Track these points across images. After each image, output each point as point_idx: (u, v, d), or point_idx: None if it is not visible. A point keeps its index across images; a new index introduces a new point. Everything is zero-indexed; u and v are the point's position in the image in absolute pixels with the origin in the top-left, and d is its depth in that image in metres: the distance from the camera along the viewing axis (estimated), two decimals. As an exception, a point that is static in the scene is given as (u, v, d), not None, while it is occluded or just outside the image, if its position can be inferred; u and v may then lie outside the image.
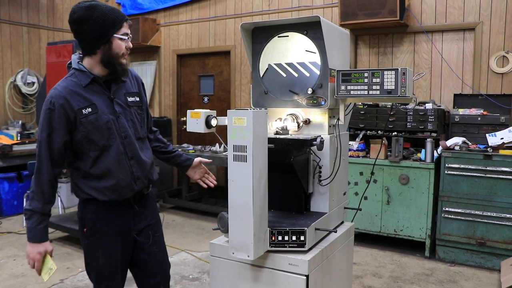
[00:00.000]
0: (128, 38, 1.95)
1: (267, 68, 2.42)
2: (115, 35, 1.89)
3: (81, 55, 1.97)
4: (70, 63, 2.00)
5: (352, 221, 2.66)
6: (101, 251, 2.02)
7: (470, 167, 3.89)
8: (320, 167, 2.28)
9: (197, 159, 2.42)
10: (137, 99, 2.09)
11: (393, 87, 2.11)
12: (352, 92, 2.21)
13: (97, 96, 1.93)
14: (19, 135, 5.86)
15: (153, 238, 2.16)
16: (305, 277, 1.95)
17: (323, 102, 2.26)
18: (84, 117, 1.88)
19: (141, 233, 2.12)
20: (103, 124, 1.91)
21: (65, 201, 5.83)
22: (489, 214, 3.85)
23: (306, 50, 2.31)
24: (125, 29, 1.93)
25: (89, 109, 1.90)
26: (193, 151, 5.57)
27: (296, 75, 2.35)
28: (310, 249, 2.07)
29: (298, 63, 2.34)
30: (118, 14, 1.91)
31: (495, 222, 3.83)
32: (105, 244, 2.01)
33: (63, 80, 1.94)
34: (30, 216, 1.90)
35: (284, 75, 2.38)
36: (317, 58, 2.27)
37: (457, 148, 3.99)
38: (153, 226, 2.17)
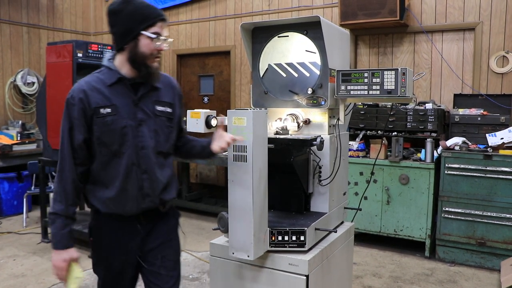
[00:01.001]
0: (160, 39, 1.75)
1: (267, 68, 2.42)
2: (143, 32, 1.72)
3: (114, 53, 1.85)
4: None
5: (352, 221, 2.66)
6: (104, 266, 1.90)
7: (470, 167, 3.89)
8: (320, 167, 2.28)
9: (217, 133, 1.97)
10: (169, 110, 1.88)
11: (393, 87, 2.12)
12: (352, 92, 2.21)
13: (120, 98, 1.76)
14: (19, 135, 5.85)
15: (161, 261, 1.94)
16: (305, 277, 1.95)
17: (323, 102, 2.26)
18: (101, 117, 1.73)
19: (149, 254, 1.91)
20: (118, 129, 1.74)
21: (65, 201, 5.83)
22: (489, 214, 3.85)
23: (306, 50, 2.31)
24: (158, 28, 1.74)
25: (108, 110, 1.73)
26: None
27: (296, 75, 2.35)
28: (310, 249, 2.07)
29: (298, 63, 2.34)
30: (153, 11, 1.75)
31: (495, 222, 3.83)
32: (108, 261, 1.88)
33: (89, 75, 1.82)
34: (53, 220, 1.74)
35: (284, 75, 2.38)
36: (317, 58, 2.27)
37: (457, 148, 3.99)
38: (163, 247, 1.95)
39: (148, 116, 1.80)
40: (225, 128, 1.91)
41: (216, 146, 1.89)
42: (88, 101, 1.73)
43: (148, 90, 1.82)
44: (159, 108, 1.84)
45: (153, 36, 1.72)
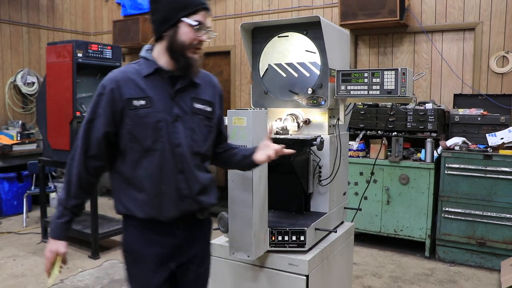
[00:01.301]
0: (202, 28, 1.62)
1: (267, 68, 2.42)
2: (184, 19, 1.59)
3: (153, 45, 1.73)
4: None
5: (352, 221, 2.66)
6: (140, 282, 1.70)
7: (470, 167, 3.89)
8: (320, 167, 2.28)
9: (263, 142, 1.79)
10: (208, 108, 1.74)
11: (393, 87, 2.12)
12: (352, 92, 2.21)
13: (156, 90, 1.64)
14: (19, 135, 5.85)
15: (196, 275, 1.79)
16: (305, 277, 1.96)
17: (323, 102, 2.26)
18: (134, 109, 1.60)
19: (183, 266, 1.74)
20: (152, 123, 1.60)
21: (65, 201, 5.83)
22: (489, 214, 3.85)
23: (306, 50, 2.31)
24: (200, 17, 1.61)
25: (142, 102, 1.61)
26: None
27: (296, 75, 2.35)
28: (310, 249, 2.07)
29: (298, 63, 2.34)
30: None
31: (495, 222, 3.83)
32: (143, 274, 1.69)
33: (125, 65, 1.72)
34: (57, 206, 1.71)
35: (284, 75, 2.38)
36: (317, 58, 2.28)
37: (457, 148, 3.99)
38: (199, 260, 1.79)
39: (185, 113, 1.66)
40: (271, 139, 1.79)
41: (261, 155, 1.73)
42: (120, 92, 1.60)
43: (186, 84, 1.68)
44: (198, 105, 1.70)
45: (194, 23, 1.60)
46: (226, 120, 1.92)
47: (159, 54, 1.66)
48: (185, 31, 1.60)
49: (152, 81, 1.65)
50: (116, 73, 1.66)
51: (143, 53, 1.72)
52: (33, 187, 5.36)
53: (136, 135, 1.61)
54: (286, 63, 2.37)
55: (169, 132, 1.62)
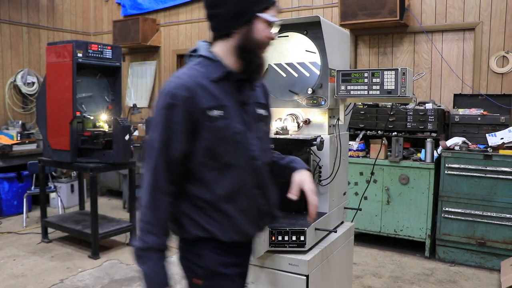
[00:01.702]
0: (273, 25, 1.47)
1: (267, 68, 2.42)
2: (260, 14, 1.41)
3: (209, 42, 1.51)
4: (194, 50, 1.51)
5: (352, 221, 2.66)
6: None
7: (470, 167, 3.89)
8: (320, 167, 2.28)
9: (298, 178, 1.62)
10: (266, 113, 1.58)
11: (393, 87, 2.12)
12: (352, 92, 2.21)
13: (227, 97, 1.42)
14: (19, 135, 5.85)
15: None
16: (305, 277, 1.95)
17: (323, 102, 2.26)
18: (212, 120, 1.37)
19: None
20: (230, 135, 1.40)
21: (65, 201, 5.83)
22: (489, 214, 3.85)
23: (306, 50, 2.31)
24: (274, 12, 1.48)
25: (220, 112, 1.38)
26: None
27: (296, 75, 2.35)
28: (310, 249, 2.07)
29: (298, 63, 2.34)
30: None
31: (495, 222, 3.83)
32: None
33: (187, 68, 1.43)
34: (146, 256, 1.35)
35: (284, 75, 2.38)
36: (317, 58, 2.27)
37: (457, 148, 3.99)
38: (247, 273, 1.66)
39: (253, 121, 1.49)
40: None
41: (294, 193, 1.59)
42: (195, 101, 1.35)
43: (250, 89, 1.51)
44: (259, 111, 1.54)
45: (273, 19, 1.45)
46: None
47: (224, 54, 1.45)
48: (261, 28, 1.42)
49: (222, 86, 1.42)
50: (183, 78, 1.38)
51: (204, 51, 1.47)
52: (33, 187, 5.36)
53: (216, 151, 1.39)
54: (286, 63, 2.37)
55: (244, 144, 1.44)
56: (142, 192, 1.38)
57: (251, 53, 1.43)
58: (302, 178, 1.58)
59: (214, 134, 1.38)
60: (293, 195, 1.57)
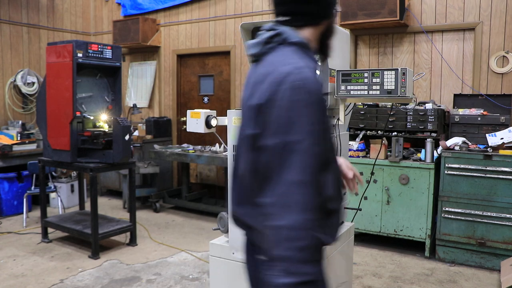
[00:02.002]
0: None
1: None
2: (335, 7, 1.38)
3: (290, 27, 1.31)
4: (273, 36, 1.30)
5: (352, 221, 2.66)
6: None
7: (470, 167, 3.89)
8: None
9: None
10: None
11: (393, 87, 2.12)
12: (352, 92, 2.21)
13: None
14: (19, 135, 5.85)
15: None
16: (305, 277, 1.95)
17: (323, 102, 2.26)
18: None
19: None
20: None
21: (65, 201, 5.84)
22: (489, 214, 3.85)
23: (306, 50, 2.31)
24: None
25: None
26: (193, 151, 5.57)
27: (296, 75, 2.35)
28: (310, 249, 2.06)
29: (298, 63, 2.34)
30: None
31: (495, 222, 3.83)
32: None
33: (300, 57, 1.23)
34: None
35: (284, 75, 2.38)
36: (316, 58, 2.27)
37: (457, 148, 3.99)
38: None
39: None
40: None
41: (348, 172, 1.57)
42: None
43: None
44: None
45: (339, 10, 1.44)
46: (226, 120, 1.92)
47: (311, 41, 1.34)
48: (335, 18, 1.40)
49: None
50: (310, 67, 1.21)
51: (296, 38, 1.28)
52: (33, 187, 5.36)
53: (328, 148, 1.23)
54: (286, 63, 2.37)
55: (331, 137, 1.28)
56: (299, 205, 1.10)
57: (330, 40, 1.41)
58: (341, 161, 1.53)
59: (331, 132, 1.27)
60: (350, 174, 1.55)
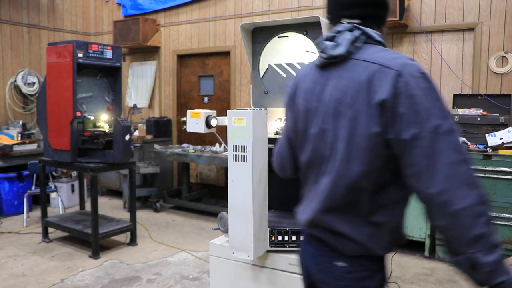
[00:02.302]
0: None
1: (267, 68, 2.43)
2: None
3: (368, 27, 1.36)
4: (358, 36, 1.31)
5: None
6: None
7: (469, 167, 3.89)
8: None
9: None
10: None
11: (392, 88, 2.12)
12: (351, 93, 2.22)
13: None
14: (19, 135, 5.86)
15: None
16: (305, 277, 1.96)
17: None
18: None
19: None
20: None
21: (65, 201, 5.84)
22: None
23: (306, 50, 2.32)
24: None
25: None
26: (193, 151, 5.58)
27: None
28: (310, 248, 2.07)
29: (298, 63, 2.35)
30: None
31: (495, 222, 3.83)
32: None
33: (394, 52, 1.30)
34: (503, 266, 1.09)
35: (284, 75, 2.39)
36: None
37: (456, 148, 3.99)
38: None
39: None
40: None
41: None
42: None
43: None
44: None
45: None
46: (226, 120, 1.93)
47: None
48: None
49: None
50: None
51: (379, 37, 1.35)
52: (33, 187, 5.37)
53: None
54: (286, 63, 2.38)
55: None
56: (467, 190, 1.10)
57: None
58: None
59: None
60: None
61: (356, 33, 1.30)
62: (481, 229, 1.08)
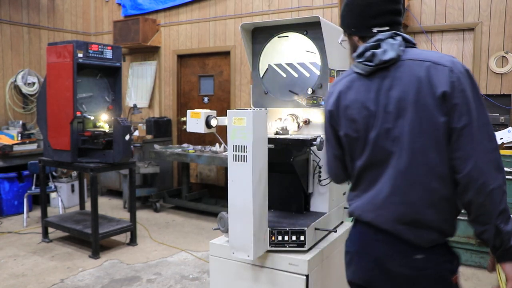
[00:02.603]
0: None
1: (267, 68, 2.43)
2: None
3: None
4: (401, 40, 1.48)
5: (352, 221, 2.67)
6: None
7: (469, 167, 3.89)
8: (320, 167, 2.28)
9: None
10: None
11: (392, 88, 2.12)
12: (351, 93, 2.22)
13: None
14: (19, 135, 5.86)
15: None
16: (305, 277, 1.96)
17: (323, 102, 2.27)
18: None
19: None
20: None
21: (65, 201, 5.84)
22: (488, 214, 3.85)
23: (306, 51, 2.32)
24: None
25: None
26: (193, 151, 5.58)
27: (296, 75, 2.35)
28: (310, 249, 2.07)
29: (298, 63, 2.35)
30: None
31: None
32: None
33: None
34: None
35: (284, 75, 2.39)
36: (317, 58, 2.28)
37: (456, 148, 3.99)
38: None
39: None
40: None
41: None
42: None
43: None
44: None
45: None
46: (226, 120, 1.93)
47: None
48: None
49: None
50: None
51: (412, 39, 1.52)
52: (33, 187, 5.37)
53: None
54: (286, 63, 2.38)
55: None
56: (497, 173, 1.33)
57: None
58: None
59: None
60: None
61: (399, 38, 1.45)
62: (505, 205, 1.33)
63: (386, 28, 1.49)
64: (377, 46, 1.45)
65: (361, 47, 1.50)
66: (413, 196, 1.39)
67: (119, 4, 7.16)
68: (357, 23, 1.53)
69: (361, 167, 1.49)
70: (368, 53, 1.45)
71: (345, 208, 2.61)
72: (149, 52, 6.99)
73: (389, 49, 1.42)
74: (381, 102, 1.42)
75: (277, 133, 2.23)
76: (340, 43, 1.75)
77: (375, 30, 1.49)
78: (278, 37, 2.39)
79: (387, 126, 1.40)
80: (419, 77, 1.37)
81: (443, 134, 1.35)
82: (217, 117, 2.09)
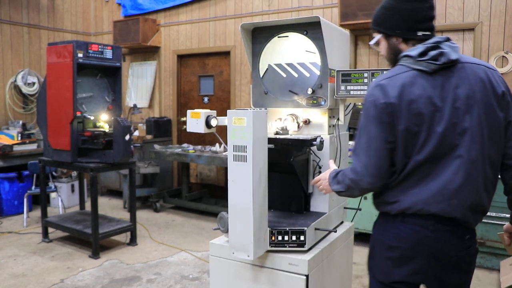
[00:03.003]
0: None
1: (267, 68, 2.43)
2: None
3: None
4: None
5: (352, 221, 2.67)
6: None
7: (469, 167, 3.89)
8: (320, 167, 2.28)
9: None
10: None
11: (392, 88, 2.12)
12: (352, 92, 2.22)
13: None
14: (19, 135, 5.86)
15: None
16: (305, 277, 1.96)
17: (323, 102, 2.27)
18: None
19: None
20: None
21: (65, 201, 5.84)
22: (488, 214, 3.85)
23: (306, 51, 2.32)
24: None
25: None
26: (193, 151, 5.58)
27: (296, 75, 2.35)
28: (310, 249, 2.07)
29: (298, 63, 2.35)
30: None
31: (495, 222, 3.83)
32: None
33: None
34: None
35: (284, 75, 2.39)
36: (317, 58, 2.28)
37: (456, 148, 3.99)
38: None
39: None
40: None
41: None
42: None
43: None
44: None
45: None
46: (226, 120, 1.93)
47: None
48: None
49: None
50: None
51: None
52: (33, 187, 5.37)
53: None
54: (286, 63, 2.38)
55: None
56: None
57: None
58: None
59: None
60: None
61: (454, 42, 1.64)
62: None
63: (429, 32, 1.65)
64: (435, 47, 1.57)
65: (420, 46, 1.58)
66: (479, 184, 1.58)
67: (119, 4, 7.16)
68: (402, 26, 1.64)
69: (421, 160, 1.53)
70: (434, 52, 1.55)
71: (345, 208, 2.61)
72: (149, 52, 6.99)
73: (451, 51, 1.56)
74: (448, 99, 1.52)
75: (277, 133, 2.23)
76: (373, 45, 1.81)
77: (420, 33, 1.63)
78: (278, 37, 2.39)
79: (454, 121, 1.51)
80: (482, 78, 1.55)
81: (502, 127, 1.56)
82: (217, 117, 2.09)
